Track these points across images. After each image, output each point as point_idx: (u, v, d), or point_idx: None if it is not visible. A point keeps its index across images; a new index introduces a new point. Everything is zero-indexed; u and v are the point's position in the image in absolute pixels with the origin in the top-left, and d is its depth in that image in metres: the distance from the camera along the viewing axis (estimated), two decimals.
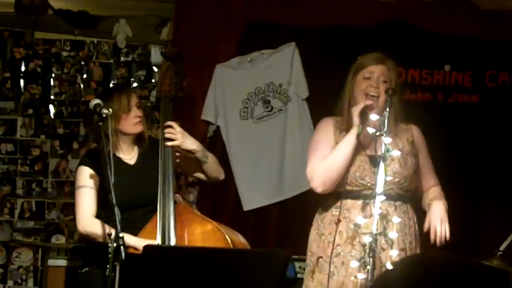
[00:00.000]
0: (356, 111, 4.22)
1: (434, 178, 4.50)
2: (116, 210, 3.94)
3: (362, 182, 4.23)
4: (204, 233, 4.31)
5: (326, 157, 4.28)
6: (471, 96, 5.77)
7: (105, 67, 6.66)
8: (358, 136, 4.19)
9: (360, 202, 4.21)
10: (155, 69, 6.53)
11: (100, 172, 4.48)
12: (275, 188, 5.68)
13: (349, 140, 4.23)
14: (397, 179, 4.23)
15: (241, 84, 5.69)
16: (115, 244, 3.84)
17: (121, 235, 3.86)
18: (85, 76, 6.65)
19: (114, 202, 4.00)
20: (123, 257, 3.82)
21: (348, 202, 4.26)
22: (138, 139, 4.63)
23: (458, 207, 5.59)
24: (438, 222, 4.26)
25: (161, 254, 3.79)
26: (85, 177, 4.48)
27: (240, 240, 4.40)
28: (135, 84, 6.59)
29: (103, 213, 4.44)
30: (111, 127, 4.26)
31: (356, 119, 4.21)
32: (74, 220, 6.56)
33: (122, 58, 6.64)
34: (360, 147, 4.28)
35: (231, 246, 4.23)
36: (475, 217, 5.69)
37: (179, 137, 4.54)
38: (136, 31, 6.09)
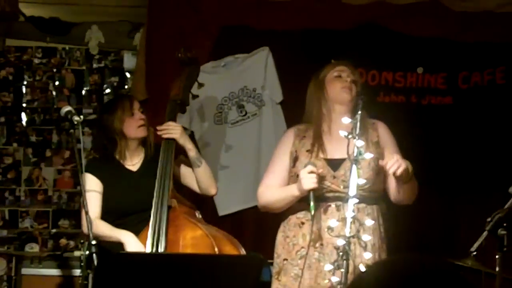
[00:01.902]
0: (305, 185, 4.17)
1: None
2: (88, 218, 3.92)
3: (321, 185, 4.24)
4: (194, 239, 4.36)
5: (273, 188, 4.43)
6: (444, 97, 5.79)
7: (78, 74, 6.63)
8: (311, 212, 4.14)
9: (323, 204, 4.23)
10: (128, 75, 6.50)
11: (101, 178, 4.53)
12: (250, 193, 5.65)
13: (292, 193, 4.30)
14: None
15: (215, 89, 5.67)
16: (87, 252, 3.81)
17: (93, 242, 3.83)
18: (57, 83, 6.62)
19: (87, 209, 3.98)
20: (96, 265, 3.80)
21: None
22: (143, 145, 4.66)
23: (433, 208, 5.64)
24: (391, 157, 4.16)
25: (133, 262, 3.76)
26: (89, 182, 4.54)
27: (233, 249, 4.43)
28: (108, 90, 6.56)
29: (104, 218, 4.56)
30: (117, 130, 4.34)
31: (303, 192, 4.21)
32: (47, 228, 6.59)
33: (94, 65, 6.61)
34: (316, 152, 4.33)
35: (217, 252, 4.28)
36: (450, 217, 5.71)
37: (177, 131, 4.61)
38: (109, 37, 6.07)
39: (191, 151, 4.67)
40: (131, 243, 4.37)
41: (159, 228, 4.37)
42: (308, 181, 4.13)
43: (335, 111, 4.39)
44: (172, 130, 4.63)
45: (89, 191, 4.47)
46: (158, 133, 4.67)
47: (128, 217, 4.53)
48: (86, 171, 4.58)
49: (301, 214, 4.34)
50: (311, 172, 4.14)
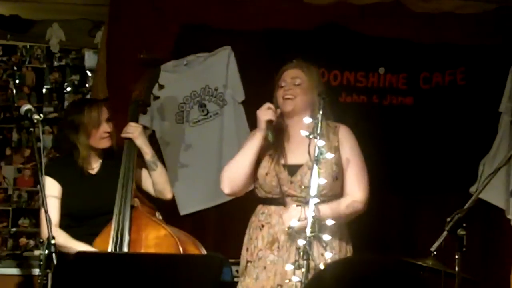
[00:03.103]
0: (262, 117, 4.29)
1: (353, 186, 4.38)
2: (47, 217, 3.89)
3: (279, 190, 4.29)
4: (158, 238, 4.37)
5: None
6: (405, 98, 5.82)
7: (38, 72, 6.58)
8: (270, 141, 4.28)
9: (280, 208, 4.25)
10: (89, 73, 6.47)
11: (61, 181, 4.48)
12: (212, 192, 5.64)
13: (251, 145, 4.35)
14: None
15: (177, 88, 5.65)
16: (46, 251, 3.78)
17: (53, 241, 3.80)
18: (17, 81, 6.57)
19: (46, 209, 3.95)
20: (55, 264, 3.77)
21: (271, 208, 4.35)
22: (104, 150, 4.65)
23: (394, 208, 5.67)
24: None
25: (92, 261, 3.74)
26: (48, 187, 4.48)
27: (195, 249, 4.43)
28: (69, 89, 6.52)
29: (65, 221, 4.52)
30: (82, 139, 4.31)
31: (262, 124, 4.29)
32: (7, 227, 6.53)
33: (55, 63, 6.57)
34: (277, 156, 4.33)
35: (181, 252, 4.29)
36: (411, 218, 5.74)
37: (136, 132, 4.61)
38: (70, 35, 6.03)
39: (147, 155, 4.67)
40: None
41: (122, 227, 4.37)
42: (265, 112, 4.30)
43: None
44: (131, 130, 4.63)
45: (48, 197, 4.44)
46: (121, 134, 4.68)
47: (88, 221, 4.53)
48: (46, 173, 4.54)
49: (262, 217, 4.37)
50: (269, 108, 4.31)
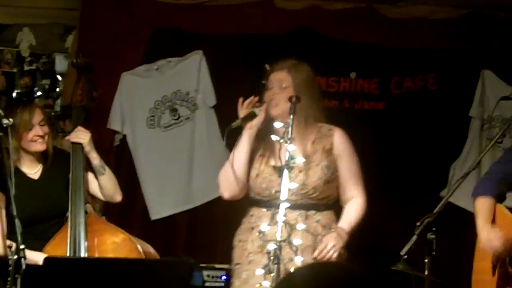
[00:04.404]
0: (241, 106, 4.26)
1: (354, 188, 4.41)
2: (17, 223, 3.85)
3: (268, 192, 4.25)
4: (115, 243, 4.29)
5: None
6: (377, 103, 5.85)
7: (9, 76, 6.53)
8: (232, 128, 4.23)
9: (269, 211, 4.22)
10: (59, 77, 6.44)
11: (2, 186, 4.40)
12: (183, 197, 5.65)
13: (241, 144, 4.28)
14: (305, 190, 4.23)
15: (148, 93, 5.64)
16: (15, 257, 3.74)
17: (22, 247, 3.77)
18: None
19: (15, 213, 3.91)
20: (24, 270, 3.73)
21: (261, 211, 4.29)
22: (43, 154, 4.57)
23: (365, 212, 5.66)
24: (323, 246, 4.22)
25: (62, 266, 3.72)
26: None
27: (150, 251, 4.37)
28: (39, 93, 6.48)
29: (8, 226, 4.37)
30: (12, 141, 4.19)
31: (240, 114, 4.25)
32: None
33: (26, 67, 6.52)
34: (267, 158, 4.31)
35: (143, 256, 4.21)
36: (382, 221, 5.75)
37: (86, 137, 4.52)
38: (40, 39, 6.01)
39: (95, 160, 4.58)
40: (31, 256, 4.26)
41: (78, 233, 4.29)
42: (240, 109, 4.24)
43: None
44: (81, 135, 4.55)
45: None
46: (67, 137, 4.60)
47: (34, 226, 4.37)
48: None
49: (251, 219, 4.32)
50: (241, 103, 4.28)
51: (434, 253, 3.64)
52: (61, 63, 6.30)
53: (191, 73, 5.68)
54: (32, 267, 3.89)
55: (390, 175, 5.77)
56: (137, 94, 5.60)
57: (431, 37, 5.84)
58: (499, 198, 4.26)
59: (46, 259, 3.73)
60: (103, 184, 4.60)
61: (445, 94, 5.82)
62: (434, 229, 3.63)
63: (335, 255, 4.21)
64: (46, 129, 4.53)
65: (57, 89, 6.45)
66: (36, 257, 4.20)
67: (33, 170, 4.57)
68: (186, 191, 5.65)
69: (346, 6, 5.81)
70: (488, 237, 4.11)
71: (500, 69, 5.83)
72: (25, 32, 5.96)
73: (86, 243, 4.27)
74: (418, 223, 3.65)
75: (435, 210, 3.70)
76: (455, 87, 5.83)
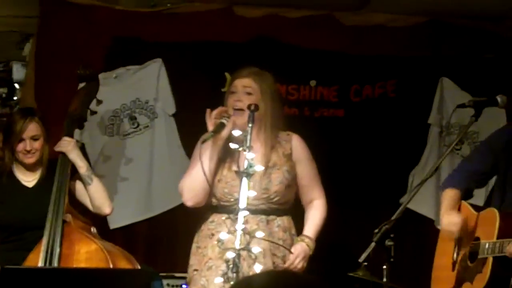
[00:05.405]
0: (209, 117, 4.25)
1: (314, 190, 4.52)
2: None
3: (230, 197, 4.26)
4: (88, 253, 4.32)
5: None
6: (337, 110, 5.86)
7: None
8: (204, 141, 4.23)
9: (228, 219, 4.22)
10: (17, 86, 6.37)
11: None
12: (143, 205, 5.62)
13: (210, 153, 4.27)
14: (266, 195, 4.27)
15: (107, 101, 5.57)
16: None
17: None
18: None
19: None
20: None
21: (221, 218, 4.31)
22: (40, 162, 4.59)
23: (325, 219, 5.67)
24: (294, 257, 4.33)
25: (19, 276, 3.68)
26: None
27: (128, 264, 4.38)
28: None
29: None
30: (7, 148, 4.30)
31: (209, 125, 4.24)
32: None
33: None
34: (229, 163, 4.30)
35: (111, 266, 4.23)
36: (343, 229, 5.77)
37: (68, 146, 4.57)
38: None
39: (82, 168, 4.62)
40: None
41: (53, 242, 4.33)
42: (208, 118, 4.23)
43: None
44: (64, 144, 4.59)
45: None
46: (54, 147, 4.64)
47: (24, 234, 4.47)
48: None
49: (212, 225, 4.34)
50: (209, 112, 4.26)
51: (392, 259, 3.65)
52: (18, 72, 6.23)
53: (150, 81, 5.66)
54: None
55: (350, 182, 5.79)
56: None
57: (390, 44, 5.88)
58: (467, 194, 4.34)
59: (2, 270, 3.70)
60: (90, 195, 4.64)
61: (404, 102, 5.86)
62: (392, 235, 3.64)
63: (304, 265, 4.32)
64: (37, 144, 4.59)
65: (15, 98, 6.38)
66: None
67: (29, 178, 4.64)
68: (145, 200, 5.62)
69: (305, 14, 5.83)
70: (449, 221, 4.18)
71: (458, 77, 5.88)
72: None
73: (59, 252, 4.30)
74: (376, 230, 3.66)
75: (393, 217, 3.71)
76: (414, 94, 5.87)
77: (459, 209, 4.31)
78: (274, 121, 4.38)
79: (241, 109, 4.30)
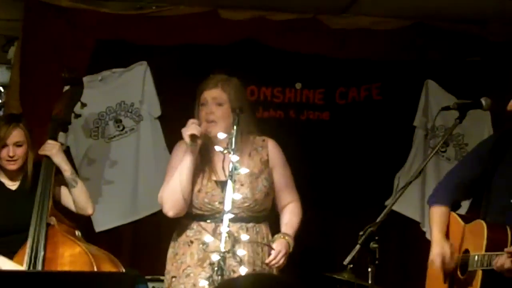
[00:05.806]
0: (185, 133, 4.28)
1: (290, 194, 4.54)
2: None
3: (211, 207, 4.30)
4: (72, 256, 4.34)
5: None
6: (322, 113, 5.87)
7: None
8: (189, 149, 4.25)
9: (212, 224, 4.23)
10: (1, 89, 6.36)
11: None
12: (128, 208, 5.62)
13: (185, 162, 4.30)
14: (247, 203, 4.30)
15: (92, 104, 5.56)
16: None
17: None
18: None
19: None
20: None
21: (202, 224, 4.33)
22: (22, 169, 4.61)
23: (311, 222, 5.67)
24: (276, 253, 4.33)
25: (2, 280, 3.66)
26: None
27: (113, 267, 4.40)
28: None
29: None
30: None
31: (186, 139, 4.28)
32: None
33: None
34: (208, 173, 4.33)
35: (95, 269, 4.25)
36: (328, 231, 5.77)
37: (52, 149, 4.59)
38: None
39: (66, 172, 4.64)
40: (6, 267, 4.28)
41: (37, 245, 4.34)
42: (188, 128, 4.26)
43: None
44: (48, 147, 4.59)
45: None
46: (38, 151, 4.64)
47: (8, 237, 4.47)
48: None
49: (190, 233, 4.36)
50: (192, 123, 4.28)
51: (377, 262, 3.65)
52: (3, 75, 6.22)
53: (135, 84, 5.65)
54: None
55: (335, 185, 5.80)
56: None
57: (375, 47, 5.89)
58: (454, 206, 4.31)
59: None
60: (75, 197, 4.66)
61: (389, 104, 5.88)
62: (377, 238, 3.63)
63: (285, 262, 4.34)
64: (20, 151, 4.60)
65: None
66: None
67: (13, 182, 4.66)
68: (131, 203, 5.61)
69: (290, 17, 5.83)
70: (438, 252, 4.14)
71: (443, 79, 5.89)
72: None
73: (43, 255, 4.31)
74: (361, 233, 3.66)
75: (378, 219, 3.71)
76: (399, 97, 5.89)
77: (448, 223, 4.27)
78: (247, 127, 4.39)
79: (214, 121, 4.35)
